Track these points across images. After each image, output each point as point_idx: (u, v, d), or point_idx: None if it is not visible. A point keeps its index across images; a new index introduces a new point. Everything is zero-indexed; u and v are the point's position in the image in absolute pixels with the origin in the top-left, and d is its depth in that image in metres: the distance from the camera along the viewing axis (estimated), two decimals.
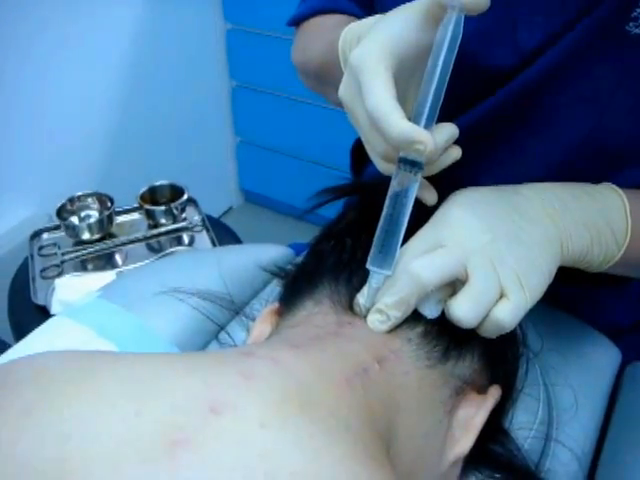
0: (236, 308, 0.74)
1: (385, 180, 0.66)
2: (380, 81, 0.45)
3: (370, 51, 0.47)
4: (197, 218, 1.40)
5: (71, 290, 1.14)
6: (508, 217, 0.51)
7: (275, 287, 0.77)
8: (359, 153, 0.99)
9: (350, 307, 0.51)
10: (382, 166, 0.52)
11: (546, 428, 0.61)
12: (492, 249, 0.48)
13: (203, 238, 1.38)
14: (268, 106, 2.29)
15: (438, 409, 0.49)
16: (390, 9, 0.52)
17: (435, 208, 0.53)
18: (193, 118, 2.20)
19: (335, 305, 0.51)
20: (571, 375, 0.67)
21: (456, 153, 0.51)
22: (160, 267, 0.81)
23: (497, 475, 0.55)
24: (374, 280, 0.49)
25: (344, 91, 0.51)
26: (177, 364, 0.40)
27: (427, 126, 0.46)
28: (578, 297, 0.76)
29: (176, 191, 1.41)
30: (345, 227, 0.59)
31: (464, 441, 0.49)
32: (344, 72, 0.57)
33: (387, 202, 0.48)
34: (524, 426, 0.61)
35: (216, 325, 0.71)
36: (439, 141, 0.47)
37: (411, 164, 0.47)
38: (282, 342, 0.47)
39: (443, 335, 0.51)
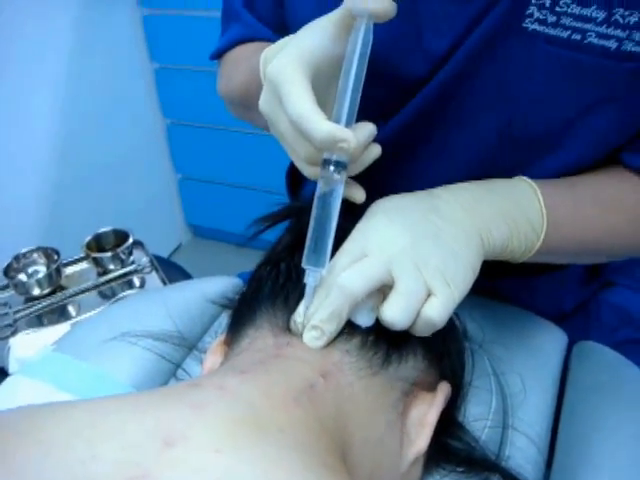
0: (189, 344, 0.75)
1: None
2: (299, 88, 0.47)
3: (286, 62, 0.48)
4: (145, 260, 1.40)
5: (27, 347, 1.13)
6: (426, 219, 0.53)
7: (225, 319, 0.79)
8: (294, 176, 1.01)
9: (288, 328, 0.52)
10: (308, 171, 0.54)
11: (502, 417, 0.63)
12: (413, 251, 0.50)
13: (153, 279, 1.38)
14: (204, 139, 2.31)
15: (389, 413, 0.51)
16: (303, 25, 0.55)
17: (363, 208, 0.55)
18: (131, 160, 2.19)
19: (273, 328, 0.53)
20: (518, 362, 0.70)
21: (376, 151, 0.53)
22: (111, 313, 0.81)
23: (459, 469, 0.56)
24: (311, 278, 0.50)
25: (264, 103, 0.53)
26: (126, 404, 0.41)
27: (347, 126, 0.48)
28: (519, 288, 0.79)
29: (121, 236, 1.41)
30: (281, 251, 0.61)
31: (420, 440, 0.50)
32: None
33: (315, 203, 0.50)
34: (479, 417, 0.63)
35: (172, 364, 0.72)
36: (360, 139, 0.49)
37: (335, 164, 0.49)
38: (228, 370, 0.48)
39: (381, 342, 0.52)
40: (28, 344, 1.14)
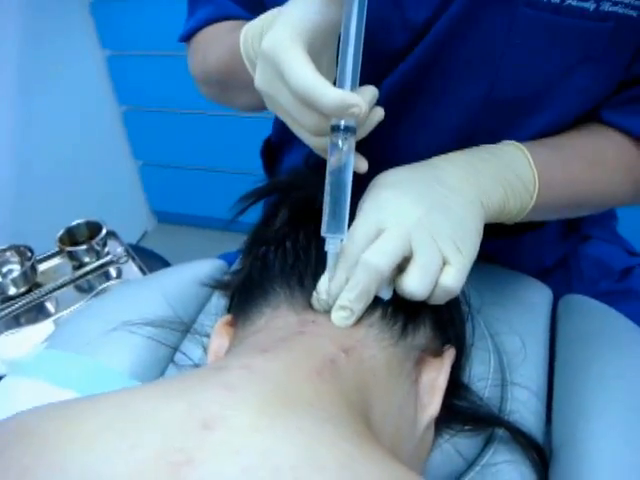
0: (185, 328, 0.75)
1: (300, 170, 0.69)
2: (300, 59, 0.47)
3: (281, 35, 0.48)
4: (120, 250, 1.39)
5: (11, 347, 1.12)
6: (432, 189, 0.54)
7: (218, 299, 0.79)
8: (269, 154, 1.01)
9: (309, 305, 0.53)
10: (314, 142, 0.54)
11: (500, 374, 0.66)
12: (428, 221, 0.51)
13: (130, 268, 1.37)
14: (161, 124, 2.29)
15: (405, 382, 0.52)
16: (285, 3, 0.54)
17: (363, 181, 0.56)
18: (90, 151, 2.16)
19: (294, 306, 0.53)
20: (510, 320, 0.72)
21: (380, 113, 0.53)
22: (101, 305, 0.81)
23: (467, 427, 0.58)
24: (332, 246, 0.50)
25: (261, 80, 0.52)
26: (154, 392, 0.41)
27: (352, 91, 0.49)
28: (503, 248, 0.81)
29: (94, 227, 1.39)
30: (281, 228, 0.60)
31: (432, 404, 0.52)
32: (250, 69, 0.59)
33: (329, 169, 0.50)
34: (481, 377, 0.65)
35: (170, 349, 0.72)
36: (367, 102, 0.49)
37: (345, 130, 0.49)
38: (250, 349, 0.48)
39: (398, 313, 0.53)
40: (12, 344, 1.13)
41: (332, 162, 0.50)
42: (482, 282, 0.75)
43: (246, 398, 0.39)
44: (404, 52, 0.62)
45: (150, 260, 1.43)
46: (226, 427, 0.37)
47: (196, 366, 0.70)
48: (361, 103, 0.46)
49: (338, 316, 0.51)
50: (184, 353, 0.71)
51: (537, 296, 0.80)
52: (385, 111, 0.53)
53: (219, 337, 0.59)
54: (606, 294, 0.84)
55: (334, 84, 0.48)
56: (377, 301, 0.52)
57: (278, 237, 0.59)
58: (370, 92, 0.51)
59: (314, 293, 0.52)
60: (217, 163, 2.31)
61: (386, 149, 0.65)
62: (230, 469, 0.34)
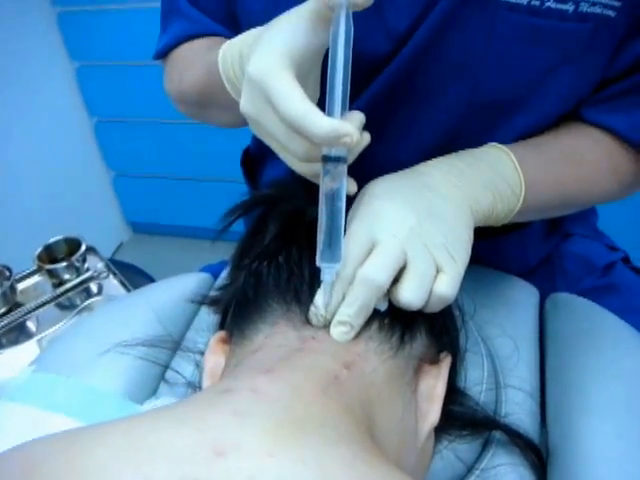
0: (175, 345, 0.74)
1: (286, 183, 0.68)
2: (290, 86, 0.46)
3: (269, 60, 0.47)
4: (100, 265, 1.37)
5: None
6: (422, 197, 0.54)
7: (206, 315, 0.78)
8: (249, 164, 1.00)
9: (307, 321, 0.52)
10: (302, 168, 0.53)
11: (494, 378, 0.66)
12: (420, 231, 0.51)
13: (111, 283, 1.36)
14: (133, 134, 2.27)
15: (406, 392, 0.52)
16: (261, 23, 0.54)
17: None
18: (62, 165, 2.14)
19: (293, 322, 0.52)
20: (503, 322, 0.73)
21: (367, 138, 0.53)
22: (88, 325, 0.79)
23: (464, 432, 0.59)
24: (328, 276, 0.50)
25: (248, 105, 0.51)
26: (161, 420, 0.40)
27: (342, 117, 0.48)
28: (488, 249, 0.80)
29: (72, 243, 1.37)
30: (272, 242, 0.60)
31: (433, 412, 0.52)
32: (230, 89, 0.59)
33: (322, 199, 0.50)
34: (476, 382, 0.65)
35: (160, 367, 0.71)
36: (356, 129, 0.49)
37: (335, 159, 0.49)
38: (253, 369, 0.47)
39: (395, 323, 0.53)
40: None
41: (325, 190, 0.50)
42: (470, 285, 0.75)
43: (256, 422, 0.39)
44: (386, 60, 0.62)
45: (130, 274, 1.41)
46: (238, 453, 0.36)
47: (189, 384, 0.69)
48: (353, 132, 0.46)
49: (338, 331, 0.50)
50: (177, 371, 0.71)
51: (524, 296, 0.81)
52: (369, 119, 0.53)
53: (214, 355, 0.58)
54: (590, 290, 0.85)
55: (321, 106, 0.48)
56: (374, 313, 0.52)
57: (270, 251, 0.58)
58: (358, 118, 0.51)
59: (312, 308, 0.52)
60: (191, 171, 2.30)
61: (371, 157, 0.65)
62: None
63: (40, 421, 0.64)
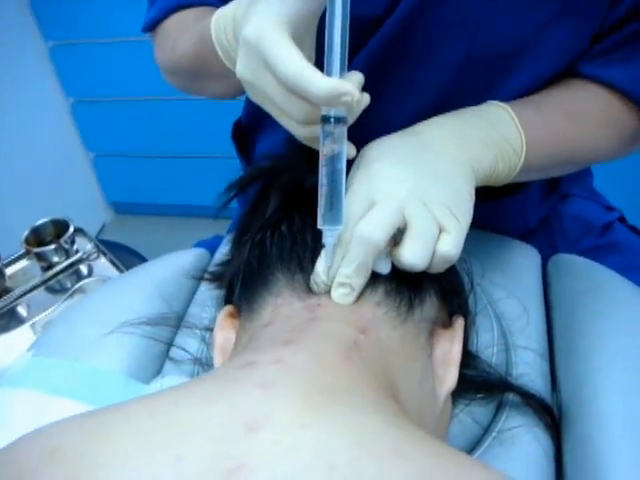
0: (178, 322, 0.74)
1: (284, 154, 0.67)
2: (287, 47, 0.45)
3: (265, 22, 0.46)
4: (89, 246, 1.35)
5: None
6: (422, 156, 0.54)
7: (206, 290, 0.77)
8: (241, 138, 0.99)
9: (310, 289, 0.52)
10: (302, 132, 0.52)
11: (503, 339, 0.66)
12: (420, 190, 0.50)
13: (102, 264, 1.34)
14: (111, 113, 2.24)
15: (422, 356, 0.51)
16: None
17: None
18: (40, 148, 2.12)
19: (297, 292, 0.52)
20: (509, 284, 0.72)
21: (366, 99, 0.52)
22: (88, 307, 0.78)
23: (479, 395, 0.59)
24: (330, 238, 0.50)
25: (244, 69, 0.50)
26: (186, 398, 0.40)
27: (341, 77, 0.47)
28: (486, 213, 0.78)
29: (60, 225, 1.34)
30: (275, 213, 0.60)
31: (450, 376, 0.52)
32: (223, 57, 0.57)
33: (322, 162, 0.49)
34: (487, 344, 0.65)
35: (163, 345, 0.70)
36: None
37: (335, 120, 0.48)
38: (272, 341, 0.47)
39: (402, 287, 0.53)
40: None
41: (325, 152, 0.49)
42: (471, 249, 0.75)
43: (284, 394, 0.38)
44: (382, 19, 0.61)
45: (120, 253, 1.39)
46: (271, 426, 0.35)
47: (196, 360, 0.69)
48: (353, 91, 0.45)
49: (338, 293, 0.50)
50: (183, 348, 0.70)
51: (526, 258, 0.80)
52: (366, 80, 0.52)
53: (223, 330, 0.57)
54: (590, 250, 0.85)
55: (321, 70, 0.47)
56: (379, 278, 0.52)
57: (273, 222, 0.58)
58: (357, 78, 0.50)
59: (312, 276, 0.51)
60: (171, 149, 2.28)
61: (369, 119, 0.64)
62: (285, 469, 0.33)
63: (44, 406, 0.62)
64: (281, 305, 0.52)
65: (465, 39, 0.61)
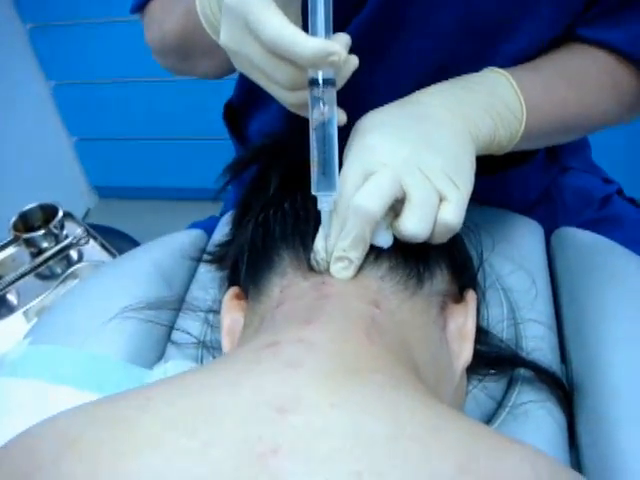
0: (179, 305, 0.72)
1: (280, 133, 0.66)
2: (270, 11, 0.44)
3: None
4: (79, 231, 1.33)
5: None
6: (417, 125, 0.52)
7: (206, 272, 0.76)
8: (233, 118, 0.97)
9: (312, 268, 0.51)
10: (290, 98, 0.51)
11: (512, 314, 0.66)
12: (417, 159, 0.49)
13: (93, 249, 1.32)
14: (93, 96, 2.19)
15: (435, 330, 0.51)
16: None
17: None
18: (22, 132, 2.07)
19: (302, 271, 0.51)
20: (515, 259, 0.72)
21: (355, 61, 0.50)
22: (84, 292, 0.76)
23: (492, 371, 0.58)
24: (325, 204, 0.49)
25: (228, 37, 0.49)
26: (210, 381, 0.38)
27: (327, 39, 0.46)
28: (487, 187, 0.77)
29: (48, 210, 1.32)
30: (277, 193, 0.59)
31: (465, 350, 0.51)
32: (209, 31, 0.56)
33: (312, 126, 0.48)
34: (498, 319, 0.65)
35: (164, 329, 0.69)
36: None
37: (324, 82, 0.47)
38: (289, 322, 0.46)
39: (409, 261, 0.52)
40: None
41: (315, 117, 0.48)
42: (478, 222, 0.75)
43: (310, 373, 0.37)
44: None
45: (110, 237, 1.37)
46: (302, 407, 0.34)
47: (200, 342, 0.68)
48: (340, 50, 0.44)
49: (337, 268, 0.50)
50: (188, 332, 0.68)
51: (529, 232, 0.80)
52: (358, 50, 0.50)
53: (230, 312, 0.57)
54: (591, 223, 0.84)
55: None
56: (383, 252, 0.51)
57: (275, 201, 0.57)
58: (344, 40, 0.48)
59: (311, 255, 0.51)
60: (155, 131, 2.24)
61: (363, 90, 0.63)
62: (321, 451, 0.32)
63: (45, 394, 0.61)
64: (287, 286, 0.51)
65: (458, 5, 0.60)
